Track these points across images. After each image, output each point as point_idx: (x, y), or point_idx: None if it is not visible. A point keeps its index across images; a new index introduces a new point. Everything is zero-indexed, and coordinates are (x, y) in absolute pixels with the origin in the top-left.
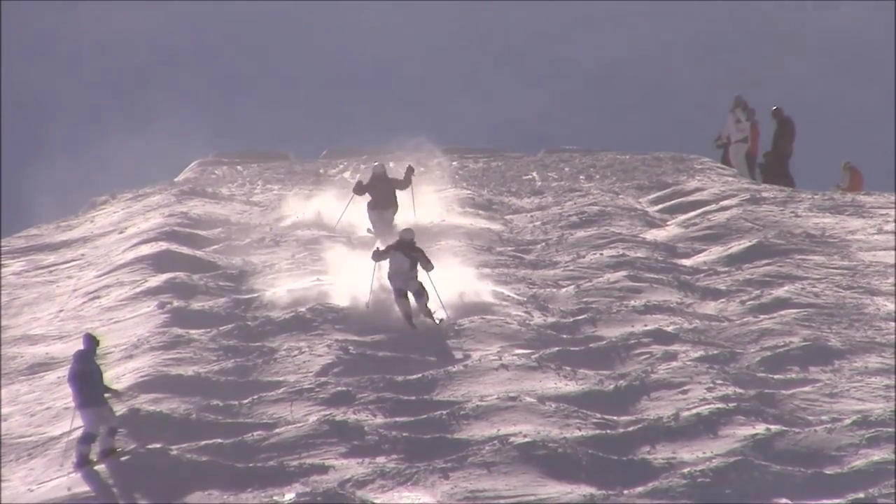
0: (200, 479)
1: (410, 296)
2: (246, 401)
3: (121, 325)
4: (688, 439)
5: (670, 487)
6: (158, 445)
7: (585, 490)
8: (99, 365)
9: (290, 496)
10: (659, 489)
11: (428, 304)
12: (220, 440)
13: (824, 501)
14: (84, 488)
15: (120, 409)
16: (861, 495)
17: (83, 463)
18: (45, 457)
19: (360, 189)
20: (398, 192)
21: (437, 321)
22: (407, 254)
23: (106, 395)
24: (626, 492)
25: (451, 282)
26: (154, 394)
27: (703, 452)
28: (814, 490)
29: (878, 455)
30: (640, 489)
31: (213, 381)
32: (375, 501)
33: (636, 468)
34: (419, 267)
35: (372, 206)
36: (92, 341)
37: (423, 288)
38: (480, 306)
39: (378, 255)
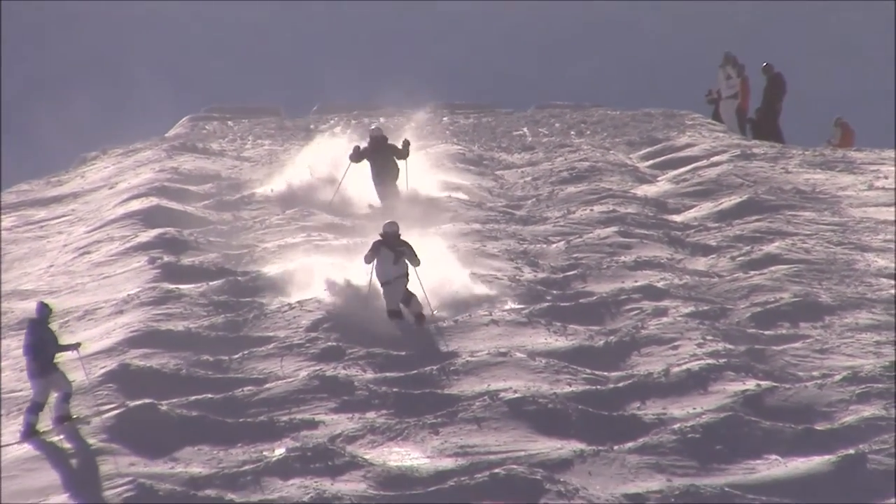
0: (190, 435)
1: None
2: (236, 356)
3: (111, 280)
4: (678, 395)
5: (660, 443)
6: (148, 401)
7: (576, 446)
8: (52, 331)
9: (280, 451)
10: (649, 445)
11: (417, 305)
12: (210, 395)
13: (815, 457)
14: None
15: (108, 364)
16: (852, 451)
17: (30, 433)
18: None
19: (357, 156)
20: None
21: (431, 313)
22: (392, 248)
23: (58, 358)
24: (616, 447)
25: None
26: (144, 349)
27: (694, 408)
28: (804, 446)
29: (869, 411)
30: (630, 445)
31: (203, 337)
32: (365, 456)
33: (626, 424)
34: (406, 262)
35: (375, 176)
36: (44, 309)
37: (410, 293)
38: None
39: (369, 256)
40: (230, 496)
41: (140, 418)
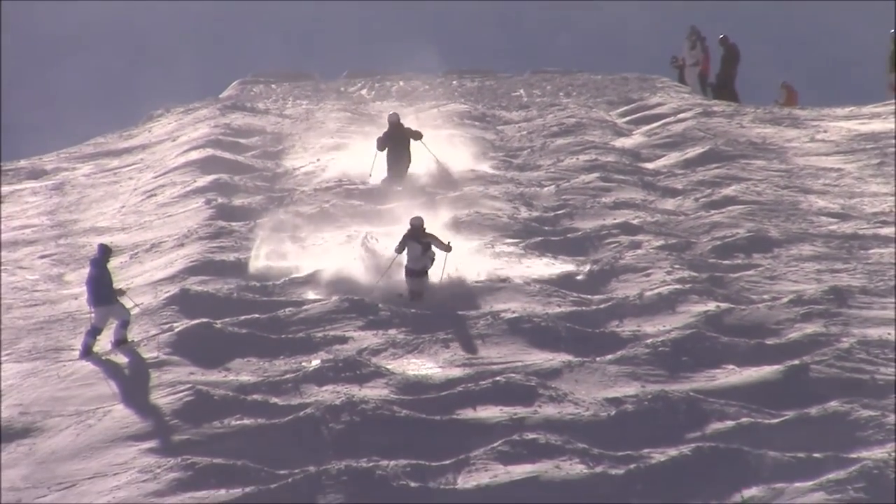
0: (240, 349)
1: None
2: (279, 282)
3: (173, 218)
4: (650, 315)
5: (635, 355)
6: (204, 320)
7: (564, 358)
8: (109, 270)
9: (315, 362)
10: (626, 357)
11: (424, 285)
12: (257, 315)
13: (765, 367)
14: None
15: (171, 289)
16: (796, 362)
17: (87, 353)
18: (110, 328)
19: (382, 144)
20: (412, 144)
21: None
22: (419, 240)
23: (116, 295)
24: (598, 359)
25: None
26: (201, 276)
27: (664, 326)
28: (756, 357)
29: (811, 328)
30: (609, 357)
31: (251, 266)
32: (387, 366)
33: (607, 339)
34: (435, 249)
35: (389, 158)
36: (104, 250)
37: (427, 269)
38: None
39: (398, 249)
40: (274, 400)
41: (197, 334)
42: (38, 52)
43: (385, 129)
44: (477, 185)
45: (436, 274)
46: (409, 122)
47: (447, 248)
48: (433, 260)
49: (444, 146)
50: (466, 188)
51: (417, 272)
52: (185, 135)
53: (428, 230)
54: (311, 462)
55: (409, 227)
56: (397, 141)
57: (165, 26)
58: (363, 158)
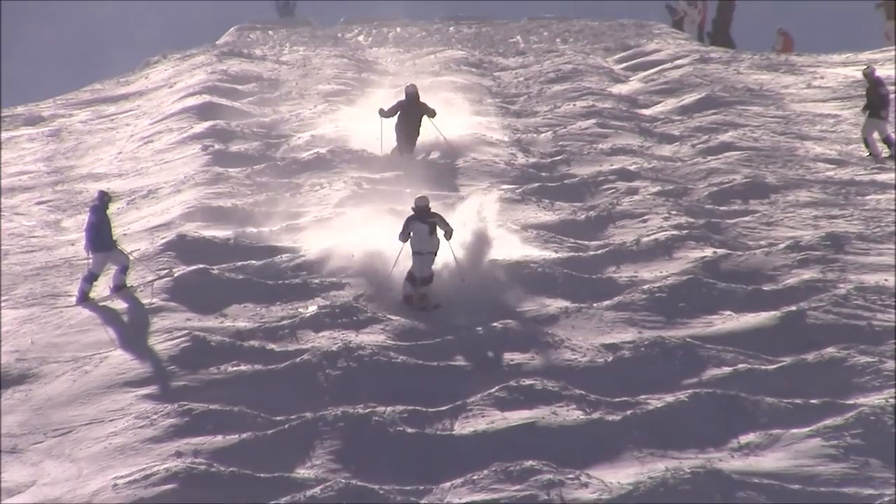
0: (237, 294)
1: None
2: (276, 228)
3: (170, 164)
4: (647, 261)
5: (632, 301)
6: (201, 266)
7: (561, 303)
8: (109, 216)
9: (312, 308)
10: (623, 302)
11: (426, 293)
12: (253, 261)
13: (762, 313)
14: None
15: (168, 235)
16: (793, 308)
17: (84, 299)
18: (107, 275)
19: (391, 111)
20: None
21: (434, 307)
22: (424, 220)
23: (115, 237)
24: (595, 305)
25: (450, 127)
26: (198, 222)
27: (660, 272)
28: (753, 304)
29: (808, 274)
30: (606, 302)
31: (247, 212)
32: (384, 313)
33: (604, 285)
34: (439, 235)
35: (400, 128)
36: (104, 197)
37: (431, 278)
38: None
39: (402, 235)
40: (270, 346)
41: (194, 281)
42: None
43: (399, 99)
44: (474, 131)
45: (447, 256)
46: (406, 68)
47: (448, 233)
48: (438, 245)
49: (441, 93)
50: (465, 134)
51: (425, 255)
52: (181, 81)
53: (433, 210)
54: (308, 408)
55: (413, 208)
56: (411, 114)
57: None
58: (364, 121)
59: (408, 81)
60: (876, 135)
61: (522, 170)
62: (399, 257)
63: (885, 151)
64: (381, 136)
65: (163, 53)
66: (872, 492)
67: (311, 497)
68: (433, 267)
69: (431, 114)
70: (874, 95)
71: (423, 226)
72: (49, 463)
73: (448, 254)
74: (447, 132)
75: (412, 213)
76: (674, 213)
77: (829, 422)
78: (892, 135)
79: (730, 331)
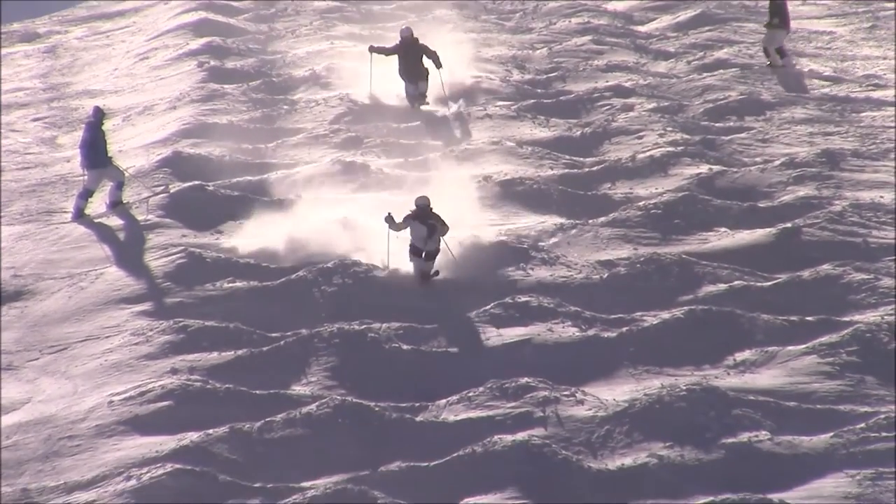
0: (232, 210)
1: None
2: (271, 144)
3: (166, 81)
4: (643, 177)
5: (628, 217)
6: (197, 182)
7: (557, 220)
8: (104, 132)
9: (307, 225)
10: (618, 219)
11: (431, 267)
12: (249, 178)
13: (758, 230)
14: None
15: (163, 152)
16: (789, 224)
17: (79, 215)
18: (102, 191)
19: (381, 50)
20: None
21: (434, 273)
22: (424, 221)
23: (110, 153)
24: (590, 221)
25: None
26: (193, 139)
27: (656, 188)
28: (749, 220)
29: (804, 191)
30: (602, 219)
31: (243, 129)
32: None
33: (599, 201)
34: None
35: (403, 73)
36: (99, 113)
37: (436, 252)
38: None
39: (397, 227)
40: (266, 262)
41: (190, 197)
42: None
43: (395, 43)
44: (470, 47)
45: (448, 251)
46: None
47: (445, 230)
48: (437, 248)
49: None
50: (462, 50)
51: (424, 254)
52: None
53: (434, 210)
54: (304, 325)
55: (414, 207)
56: (410, 57)
57: None
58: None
59: (403, 24)
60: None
61: (518, 86)
62: (389, 249)
63: (779, 61)
64: (370, 73)
65: None
66: (868, 409)
67: (306, 414)
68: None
69: (435, 59)
70: (774, 7)
71: (422, 227)
72: (44, 380)
73: (445, 250)
74: (444, 71)
75: (411, 212)
76: (669, 129)
77: (824, 339)
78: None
79: (725, 247)
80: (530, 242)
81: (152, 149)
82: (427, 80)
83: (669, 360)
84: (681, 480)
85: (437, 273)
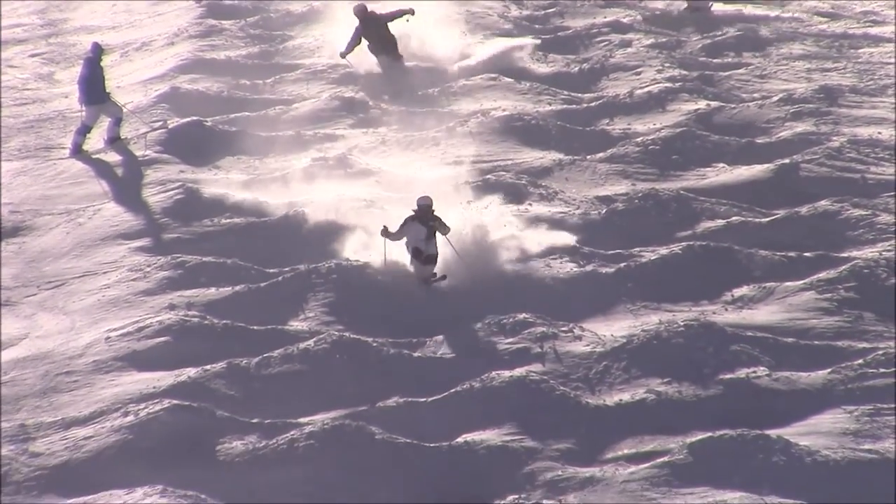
0: (231, 146)
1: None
2: (269, 80)
3: (164, 17)
4: (641, 113)
5: (626, 153)
6: (195, 118)
7: (555, 155)
8: (103, 68)
9: (305, 160)
10: (616, 154)
11: (434, 270)
12: (247, 113)
13: (756, 166)
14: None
15: (161, 88)
16: (787, 160)
17: (77, 151)
18: (100, 127)
19: (354, 42)
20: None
21: (441, 277)
22: (425, 223)
23: (109, 89)
24: (588, 157)
25: None
26: (191, 75)
27: (654, 124)
28: (747, 156)
29: (801, 127)
30: (600, 154)
31: (241, 64)
32: (377, 164)
33: (597, 137)
34: (437, 234)
35: (372, 49)
36: (98, 49)
37: (436, 256)
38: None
39: (397, 235)
40: (264, 198)
41: (188, 133)
42: None
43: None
44: None
45: (449, 253)
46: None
47: (446, 232)
48: (437, 251)
49: None
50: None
51: (425, 256)
52: None
53: (435, 212)
54: (301, 260)
55: (415, 208)
56: (372, 31)
57: None
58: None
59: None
60: None
61: (516, 22)
62: (386, 250)
63: (712, 5)
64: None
65: None
66: (866, 345)
67: (304, 349)
68: (435, 269)
69: (390, 17)
70: None
71: (423, 228)
72: (42, 315)
73: (449, 250)
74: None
75: (413, 213)
76: (667, 65)
77: (822, 275)
78: None
79: (723, 183)
80: (529, 178)
81: (150, 84)
82: (397, 49)
83: (667, 295)
84: (678, 416)
85: (443, 277)
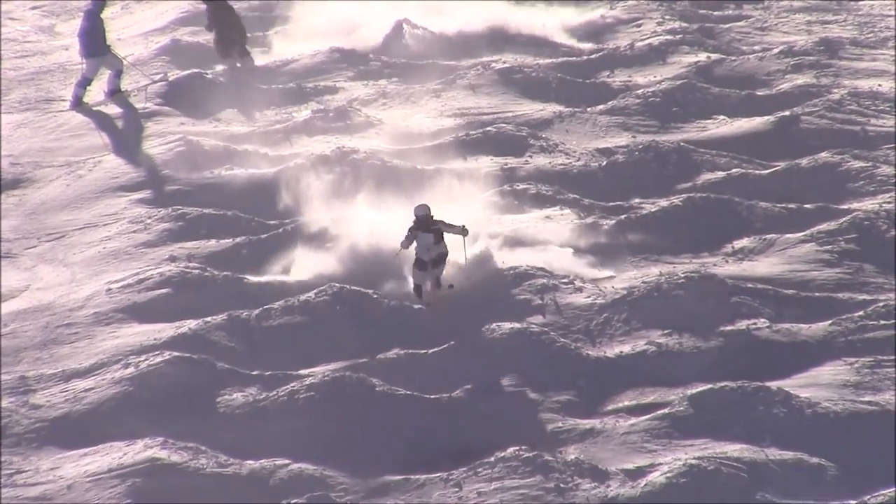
0: (231, 99)
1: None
2: (269, 32)
3: None
4: (641, 65)
5: (626, 105)
6: (195, 70)
7: (555, 108)
8: (103, 21)
9: (306, 113)
10: (616, 107)
11: (441, 276)
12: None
13: (756, 118)
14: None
15: (162, 41)
16: (787, 113)
17: (78, 103)
18: (100, 80)
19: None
20: None
21: (448, 287)
22: (428, 230)
23: (109, 41)
24: (588, 109)
25: None
26: (192, 27)
27: (654, 76)
28: (747, 108)
29: (802, 79)
30: (600, 107)
31: (243, 17)
32: (378, 116)
33: (598, 89)
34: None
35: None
36: (98, 2)
37: (443, 258)
38: None
39: (405, 244)
40: (264, 150)
41: (188, 85)
42: None
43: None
44: None
45: (459, 256)
46: None
47: (463, 232)
48: (447, 249)
49: None
50: None
51: (430, 263)
52: None
53: (436, 217)
54: (302, 211)
55: (414, 218)
56: (221, 19)
57: None
58: None
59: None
60: None
61: None
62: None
63: None
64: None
65: None
66: (867, 297)
67: (304, 301)
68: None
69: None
70: None
71: (428, 235)
72: (42, 267)
73: (459, 252)
74: None
75: (413, 224)
76: (667, 17)
77: (823, 227)
78: None
79: (723, 135)
80: (529, 130)
81: (151, 37)
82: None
83: (668, 247)
84: (679, 368)
85: (451, 286)
